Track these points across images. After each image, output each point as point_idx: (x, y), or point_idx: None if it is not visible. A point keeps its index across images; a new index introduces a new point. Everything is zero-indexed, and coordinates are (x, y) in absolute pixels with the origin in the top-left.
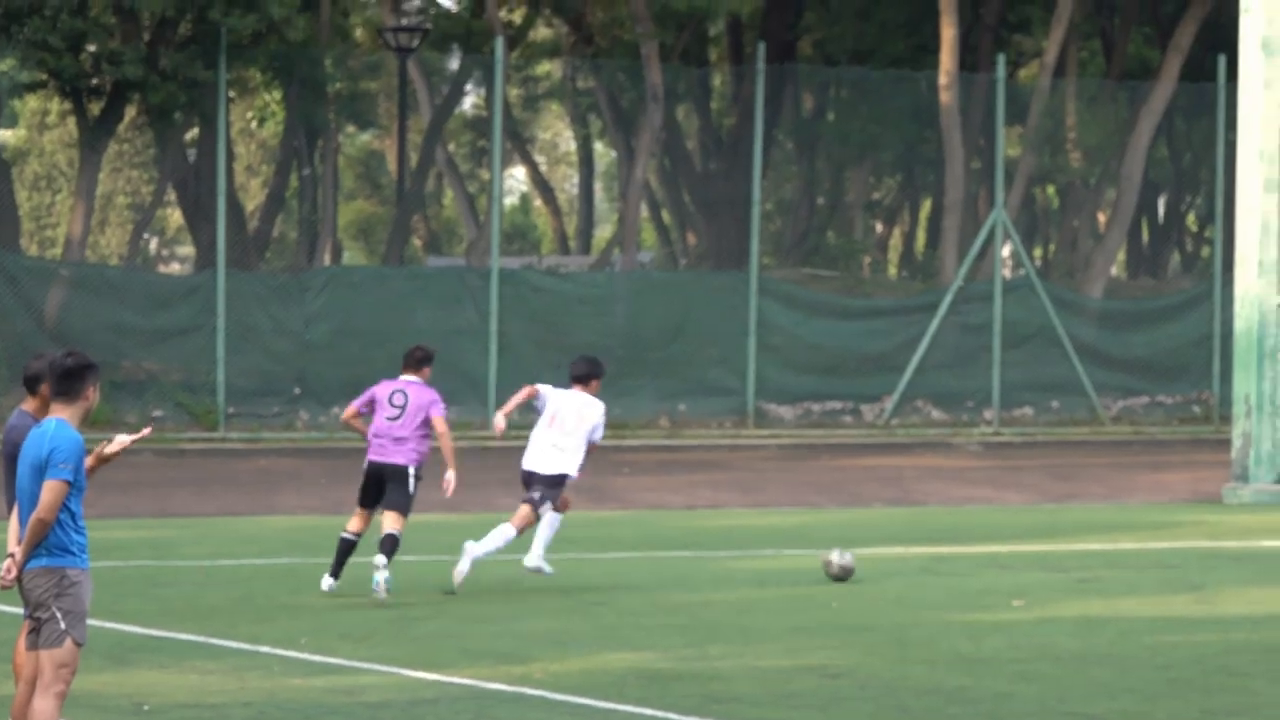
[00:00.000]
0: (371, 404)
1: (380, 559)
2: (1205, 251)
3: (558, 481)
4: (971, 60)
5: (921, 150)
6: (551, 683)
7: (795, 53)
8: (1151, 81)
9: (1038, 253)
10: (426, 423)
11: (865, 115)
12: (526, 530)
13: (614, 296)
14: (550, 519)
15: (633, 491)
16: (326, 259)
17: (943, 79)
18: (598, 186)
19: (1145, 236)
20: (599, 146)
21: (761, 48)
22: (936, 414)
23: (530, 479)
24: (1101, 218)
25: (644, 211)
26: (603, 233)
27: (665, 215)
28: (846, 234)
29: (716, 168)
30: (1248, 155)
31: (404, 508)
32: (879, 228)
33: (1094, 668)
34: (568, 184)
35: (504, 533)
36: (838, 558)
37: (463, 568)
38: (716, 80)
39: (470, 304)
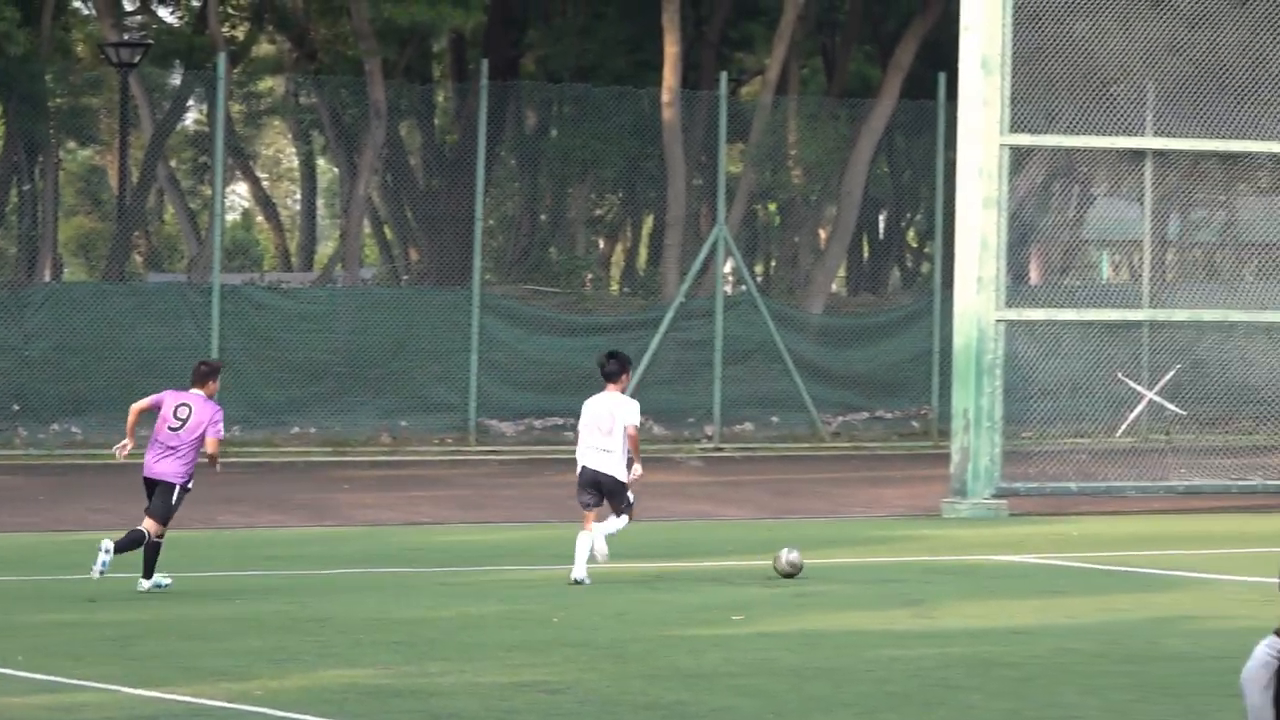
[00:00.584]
0: (158, 409)
1: (108, 544)
2: (925, 268)
3: (617, 487)
4: (694, 77)
5: (644, 167)
6: (271, 699)
7: (518, 69)
8: (872, 99)
9: (759, 269)
10: (203, 438)
11: (588, 132)
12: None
13: (336, 313)
14: (616, 522)
15: (353, 508)
16: (47, 275)
17: (665, 96)
18: (320, 203)
19: (866, 253)
20: (321, 163)
21: (484, 64)
22: (658, 430)
23: (586, 476)
24: (822, 234)
25: (366, 228)
26: (325, 249)
27: (388, 231)
28: (569, 250)
29: (439, 184)
30: (967, 172)
31: (164, 517)
32: (601, 244)
33: (812, 682)
34: (290, 200)
35: (586, 541)
36: (786, 554)
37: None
38: (440, 97)
39: (191, 320)
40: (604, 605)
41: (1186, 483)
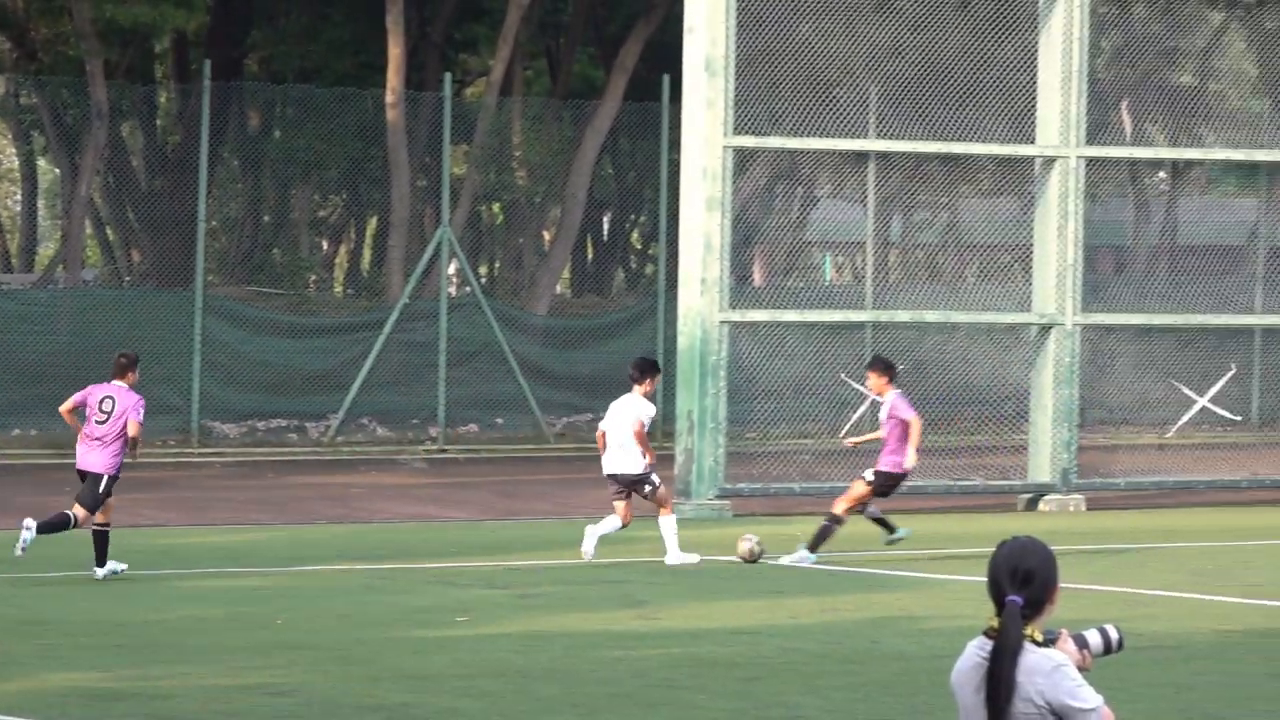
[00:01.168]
0: (84, 404)
1: (31, 522)
2: (649, 269)
3: (637, 480)
4: (418, 79)
5: (368, 168)
6: None
7: (242, 70)
8: (597, 101)
9: (483, 270)
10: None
11: (311, 133)
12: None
13: (57, 314)
14: (663, 523)
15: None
16: None
17: (389, 97)
18: (41, 204)
19: (590, 254)
20: (42, 163)
21: (207, 65)
22: (382, 431)
23: (607, 473)
24: (547, 236)
25: (88, 229)
26: (46, 250)
27: (110, 233)
28: (292, 252)
29: (162, 185)
30: (691, 174)
31: (92, 506)
32: (325, 245)
33: (538, 683)
34: (10, 201)
35: (611, 523)
36: (746, 543)
37: (587, 547)
38: (162, 98)
39: None
40: (327, 607)
41: (909, 482)
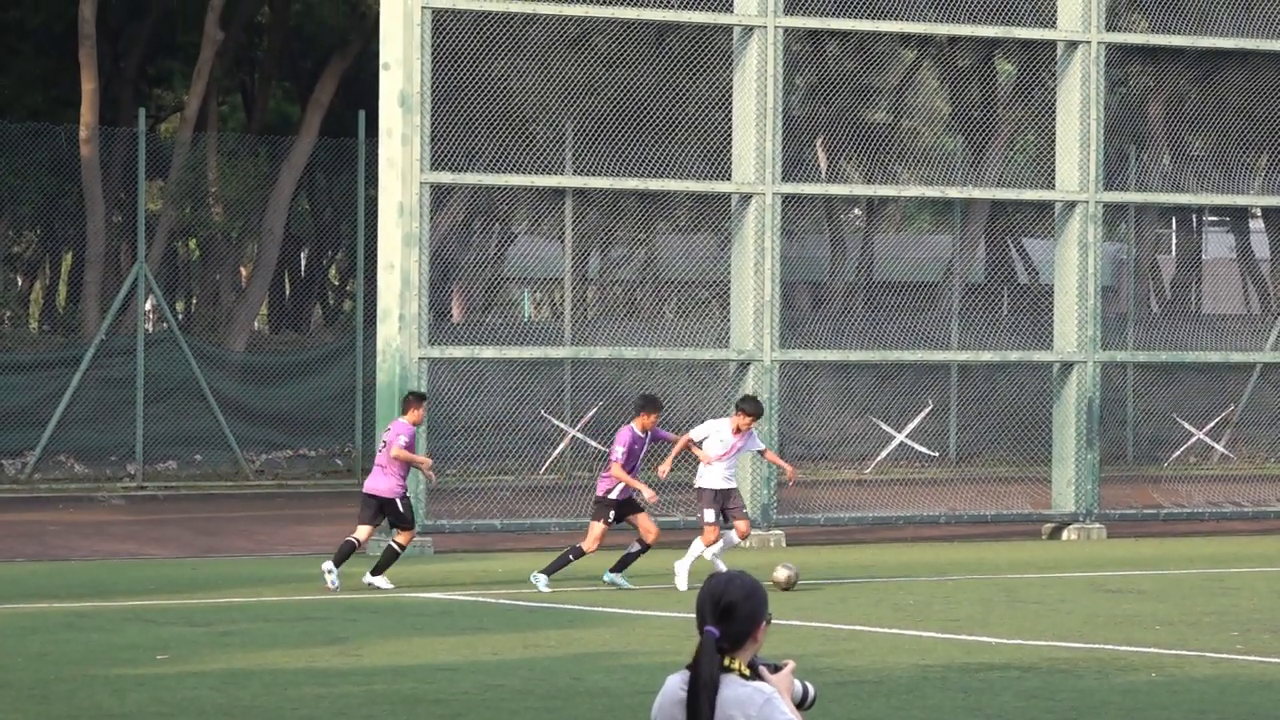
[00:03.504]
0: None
1: (329, 564)
2: (348, 305)
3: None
4: (112, 114)
5: (62, 204)
6: None
7: None
8: (293, 136)
9: (180, 306)
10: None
11: (3, 168)
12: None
13: None
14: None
15: None
16: None
17: (83, 132)
18: None
19: (288, 290)
20: None
21: None
22: (79, 468)
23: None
24: (244, 272)
25: None
26: None
27: None
28: None
29: None
30: (388, 210)
31: (403, 525)
32: (19, 281)
33: None
34: None
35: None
36: (782, 571)
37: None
38: None
39: None
40: (24, 645)
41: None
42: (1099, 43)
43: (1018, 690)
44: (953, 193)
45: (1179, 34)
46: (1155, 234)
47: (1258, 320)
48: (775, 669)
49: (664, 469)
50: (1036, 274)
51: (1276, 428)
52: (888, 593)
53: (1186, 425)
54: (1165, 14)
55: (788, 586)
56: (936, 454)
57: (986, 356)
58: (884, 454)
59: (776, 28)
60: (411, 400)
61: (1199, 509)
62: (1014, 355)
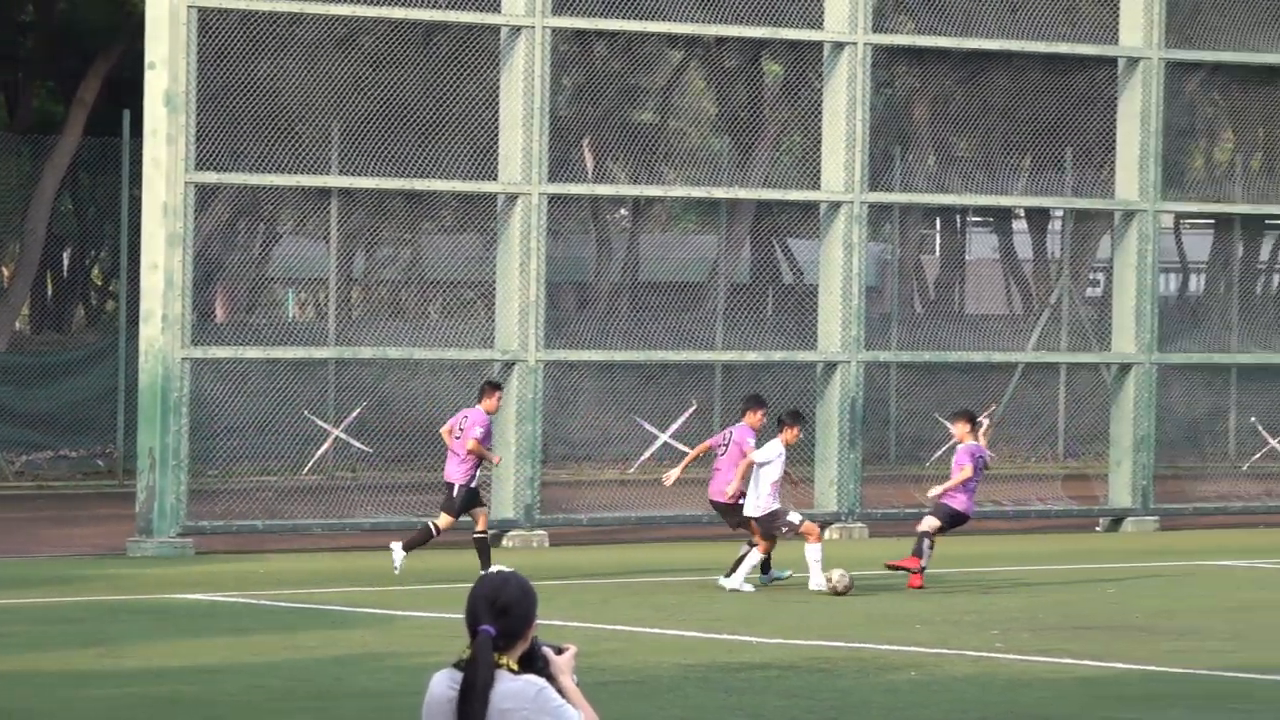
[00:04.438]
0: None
1: (396, 544)
2: (110, 306)
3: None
4: None
5: None
6: None
7: None
8: (56, 135)
9: None
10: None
11: None
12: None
13: None
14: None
15: None
16: None
17: None
18: None
19: (50, 290)
20: None
21: None
22: None
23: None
24: (5, 271)
25: None
26: None
27: None
28: None
29: None
30: (152, 210)
31: (449, 511)
32: None
33: None
34: None
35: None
36: (838, 577)
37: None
38: None
39: None
40: None
41: (373, 520)
42: (865, 44)
43: (779, 689)
44: (718, 193)
45: (944, 35)
46: (920, 234)
47: (1020, 320)
48: (559, 651)
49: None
50: (801, 274)
51: (1037, 427)
52: (650, 593)
53: (949, 425)
54: (931, 16)
55: (842, 591)
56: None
57: (751, 356)
58: (647, 454)
59: (544, 28)
60: (487, 389)
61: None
62: (778, 355)
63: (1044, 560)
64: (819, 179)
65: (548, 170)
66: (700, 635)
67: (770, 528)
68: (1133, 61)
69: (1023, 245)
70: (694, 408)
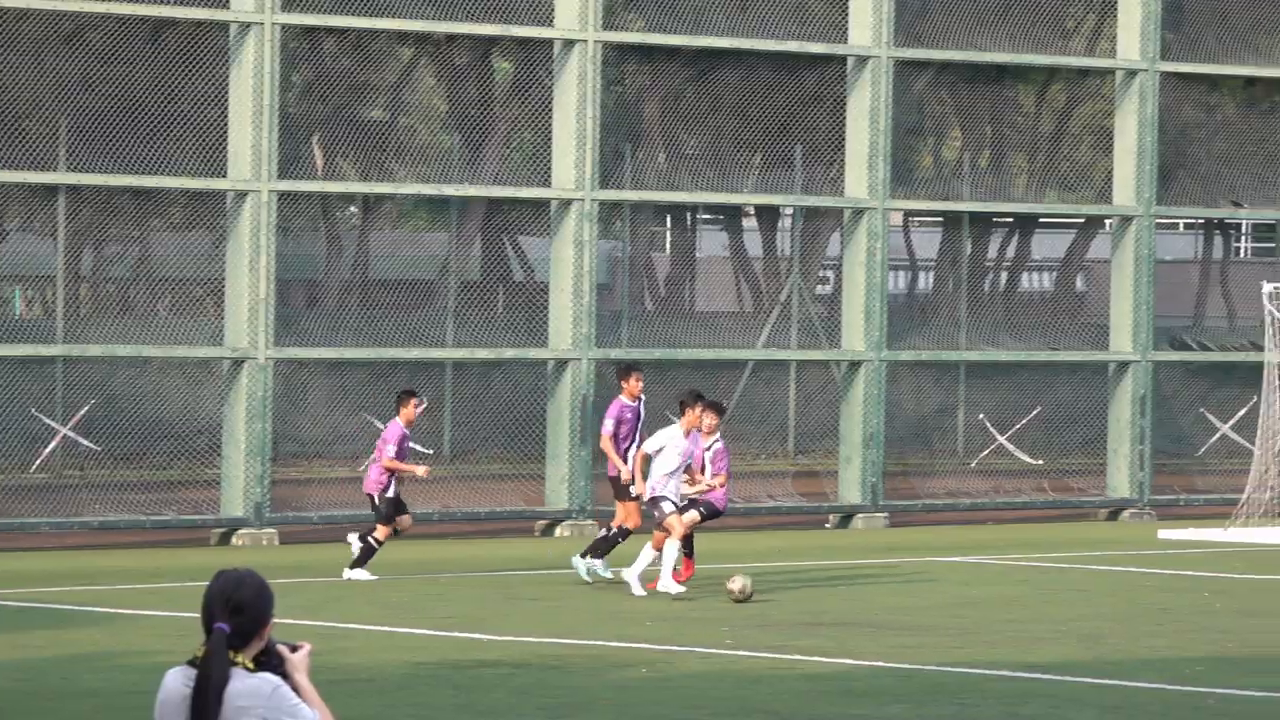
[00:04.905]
0: None
1: (353, 536)
2: None
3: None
4: None
5: None
6: None
7: None
8: None
9: None
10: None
11: None
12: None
13: None
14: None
15: None
16: None
17: None
18: None
19: None
20: None
21: None
22: None
23: None
24: None
25: None
26: None
27: None
28: None
29: None
30: None
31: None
32: None
33: None
34: None
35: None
36: (739, 582)
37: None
38: None
39: None
40: None
41: (101, 518)
42: (595, 41)
43: (510, 687)
44: (449, 190)
45: (675, 33)
46: (650, 232)
47: (750, 318)
48: (294, 649)
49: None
50: (532, 271)
51: (767, 425)
52: (380, 591)
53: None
54: (660, 14)
55: (744, 598)
56: (431, 451)
57: (482, 354)
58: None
59: (273, 24)
60: (402, 398)
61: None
62: (509, 353)
63: (774, 557)
64: (550, 176)
65: (277, 167)
66: (431, 633)
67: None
68: (861, 60)
69: (753, 243)
70: (424, 405)
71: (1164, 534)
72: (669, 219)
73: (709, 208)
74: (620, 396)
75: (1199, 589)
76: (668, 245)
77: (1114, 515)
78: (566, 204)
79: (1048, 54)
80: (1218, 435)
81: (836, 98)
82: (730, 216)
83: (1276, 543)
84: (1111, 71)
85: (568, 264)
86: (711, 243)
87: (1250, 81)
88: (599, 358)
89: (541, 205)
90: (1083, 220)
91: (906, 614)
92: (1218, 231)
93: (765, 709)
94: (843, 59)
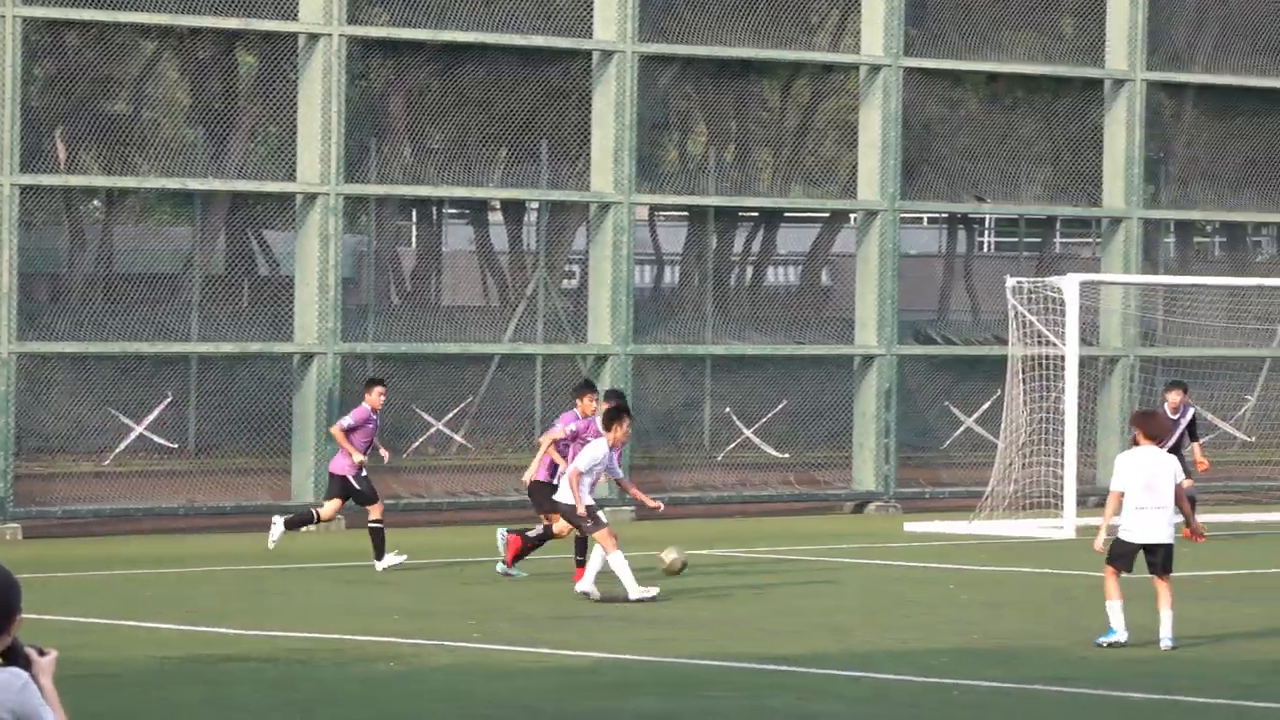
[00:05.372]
0: None
1: (278, 518)
2: None
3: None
4: None
5: None
6: None
7: None
8: None
9: None
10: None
11: None
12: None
13: None
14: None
15: None
16: None
17: None
18: None
19: None
20: None
21: None
22: None
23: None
24: None
25: None
26: None
27: None
28: None
29: None
30: None
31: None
32: None
33: None
34: None
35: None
36: (674, 554)
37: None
38: None
39: None
40: None
41: None
42: (340, 35)
43: (257, 681)
44: (193, 184)
45: (420, 28)
46: (396, 226)
47: (496, 312)
48: (41, 653)
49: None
50: (277, 266)
51: (513, 419)
52: (126, 586)
53: (426, 416)
54: (405, 8)
55: (676, 570)
56: (176, 446)
57: (227, 348)
58: (123, 445)
59: (15, 17)
60: (368, 385)
61: (439, 499)
62: (254, 347)
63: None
64: (295, 171)
65: (19, 161)
66: (176, 628)
67: (571, 518)
68: (606, 55)
69: (499, 237)
70: (169, 399)
71: (910, 527)
72: (414, 213)
73: (455, 202)
74: (576, 410)
75: (944, 581)
76: (414, 240)
77: (860, 508)
78: (311, 198)
79: (792, 49)
80: (962, 429)
81: (582, 92)
82: (476, 211)
83: (1020, 535)
84: (856, 67)
85: (313, 258)
86: (457, 237)
87: (993, 77)
88: (345, 352)
89: (286, 199)
90: (827, 215)
91: (655, 607)
92: (961, 226)
93: (514, 702)
94: (588, 54)
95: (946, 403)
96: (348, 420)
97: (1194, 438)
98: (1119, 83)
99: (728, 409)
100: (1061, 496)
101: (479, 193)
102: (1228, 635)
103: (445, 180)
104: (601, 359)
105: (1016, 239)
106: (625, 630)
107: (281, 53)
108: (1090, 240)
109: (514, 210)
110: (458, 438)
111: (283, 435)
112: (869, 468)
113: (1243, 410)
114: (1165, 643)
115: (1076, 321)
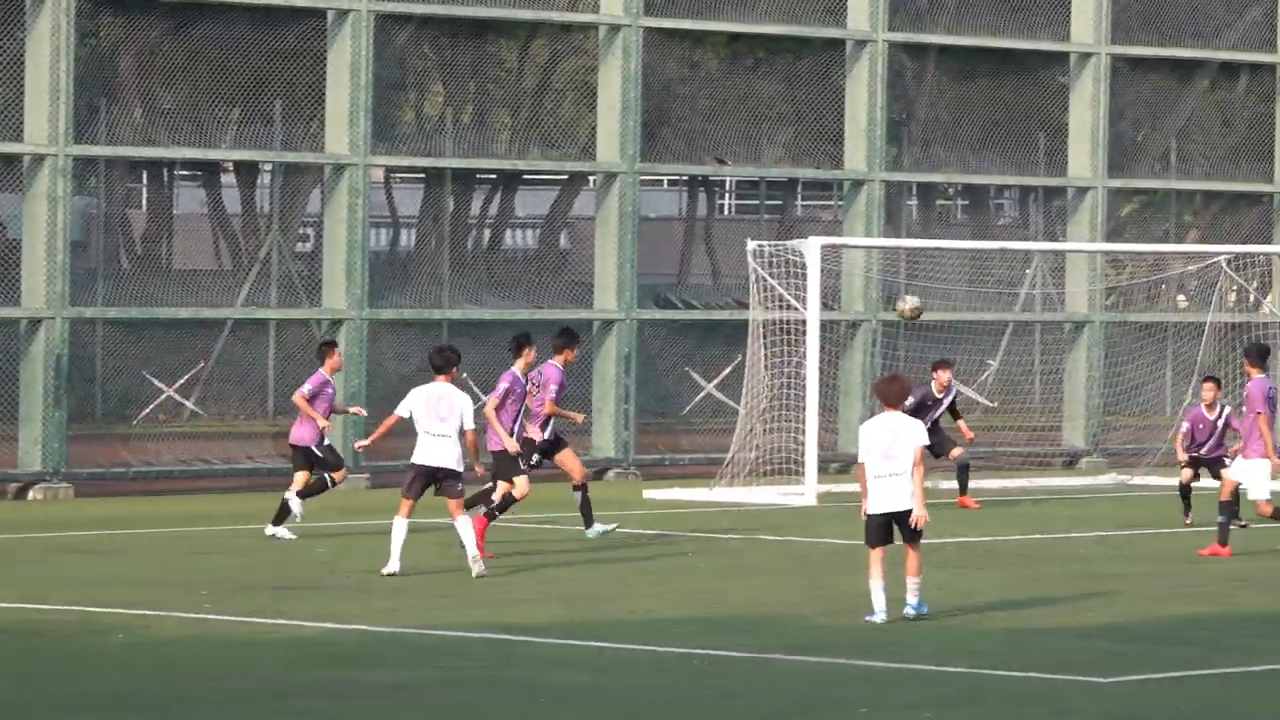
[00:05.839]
0: None
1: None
2: None
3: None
4: None
5: None
6: None
7: None
8: None
9: None
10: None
11: None
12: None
13: None
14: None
15: None
16: None
17: None
18: None
19: None
20: None
21: None
22: None
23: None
24: None
25: None
26: None
27: None
28: None
29: None
30: None
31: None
32: None
33: None
34: None
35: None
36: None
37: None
38: None
39: None
40: None
41: None
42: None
43: None
44: None
45: None
46: (126, 188)
47: (229, 276)
48: None
49: None
50: (4, 229)
51: (246, 385)
52: None
53: (157, 382)
54: None
55: (914, 316)
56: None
57: None
58: None
59: None
60: (324, 349)
61: (169, 467)
62: None
63: (256, 519)
64: (22, 131)
65: None
66: None
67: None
68: (342, 14)
69: (231, 199)
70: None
71: (649, 494)
72: (145, 175)
73: (186, 164)
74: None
75: (684, 549)
76: (144, 202)
77: (599, 475)
78: (39, 159)
79: (530, 9)
80: (703, 394)
81: (317, 53)
82: (208, 173)
83: (761, 502)
84: (595, 27)
85: (41, 221)
86: (189, 199)
87: (734, 38)
88: (73, 317)
89: (14, 160)
90: (566, 177)
91: (393, 580)
92: (702, 188)
93: (247, 673)
94: (323, 12)
95: (687, 368)
96: (307, 387)
97: (956, 416)
98: (860, 43)
99: (465, 375)
100: (803, 463)
101: (211, 154)
102: (969, 605)
103: (176, 141)
104: (337, 324)
105: (757, 202)
106: (359, 600)
107: (9, 11)
108: (832, 203)
109: (247, 172)
110: (189, 404)
111: (9, 402)
112: (608, 434)
113: (985, 375)
114: (909, 610)
115: (818, 285)
